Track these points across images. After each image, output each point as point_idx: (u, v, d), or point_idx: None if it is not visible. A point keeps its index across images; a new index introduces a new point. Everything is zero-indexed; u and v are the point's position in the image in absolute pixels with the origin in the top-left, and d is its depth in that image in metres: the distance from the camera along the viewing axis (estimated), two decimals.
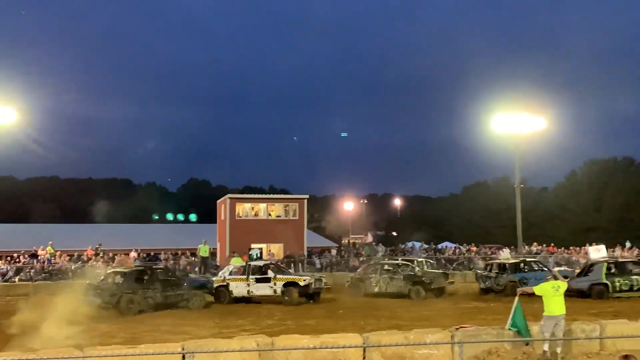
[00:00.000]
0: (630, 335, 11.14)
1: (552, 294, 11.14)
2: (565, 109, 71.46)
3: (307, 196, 36.26)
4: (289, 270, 25.50)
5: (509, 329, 11.35)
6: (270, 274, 21.53)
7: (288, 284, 21.07)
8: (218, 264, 32.57)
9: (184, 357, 9.71)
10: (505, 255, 26.38)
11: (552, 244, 39.59)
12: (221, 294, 21.78)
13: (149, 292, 19.60)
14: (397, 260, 25.75)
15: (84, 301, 18.29)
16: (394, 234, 71.98)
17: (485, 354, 10.65)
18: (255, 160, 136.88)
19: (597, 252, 24.14)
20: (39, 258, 30.59)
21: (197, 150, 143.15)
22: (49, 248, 31.38)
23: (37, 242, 33.08)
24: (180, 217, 61.95)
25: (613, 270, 21.33)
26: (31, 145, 44.19)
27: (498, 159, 48.84)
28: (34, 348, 10.50)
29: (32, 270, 29.00)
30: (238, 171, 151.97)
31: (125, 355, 9.33)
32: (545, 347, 10.88)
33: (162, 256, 34.05)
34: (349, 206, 65.48)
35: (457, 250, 39.32)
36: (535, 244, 39.14)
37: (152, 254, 35.00)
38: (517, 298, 11.58)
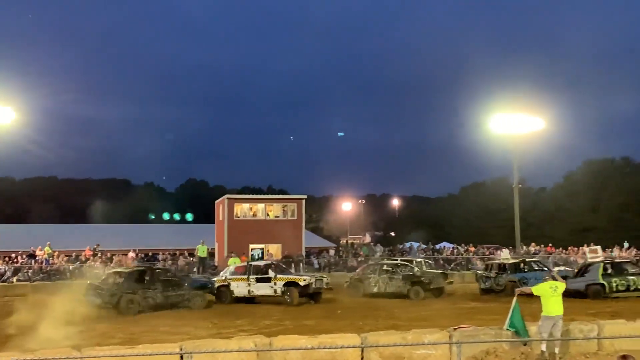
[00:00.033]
0: (628, 335, 11.15)
1: (550, 294, 11.15)
2: (563, 110, 71.63)
3: (305, 196, 36.28)
4: (290, 270, 25.55)
5: (507, 329, 11.36)
6: (271, 273, 21.55)
7: (288, 284, 21.09)
8: (216, 264, 32.59)
9: (182, 357, 9.71)
10: (505, 256, 26.47)
11: (550, 244, 39.70)
12: (222, 293, 21.81)
13: (149, 293, 19.60)
14: (396, 260, 25.78)
15: (85, 301, 18.34)
16: (392, 234, 72.00)
17: (484, 354, 10.66)
18: (254, 160, 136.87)
19: (593, 253, 24.27)
20: (37, 258, 30.58)
21: (195, 150, 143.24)
22: (47, 248, 31.36)
23: (35, 242, 33.04)
24: (177, 216, 61.91)
25: (610, 271, 21.43)
26: (29, 145, 44.19)
27: (496, 160, 48.99)
28: (32, 348, 10.48)
29: (30, 271, 29.00)
30: (236, 171, 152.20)
31: (123, 356, 9.32)
32: (543, 347, 10.89)
33: (160, 256, 34.07)
34: (347, 206, 65.47)
35: (455, 251, 39.36)
36: (533, 244, 39.21)
37: (150, 254, 35.02)
38: (515, 298, 11.60)
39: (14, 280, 28.15)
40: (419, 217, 73.39)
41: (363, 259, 33.56)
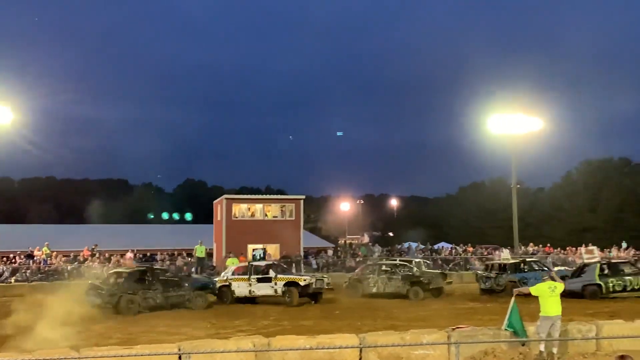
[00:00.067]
0: (626, 335, 11.17)
1: (549, 295, 11.16)
2: (561, 110, 71.83)
3: (303, 197, 36.27)
4: (292, 270, 25.56)
5: (506, 329, 11.36)
6: (272, 273, 21.56)
7: (289, 284, 21.10)
8: (214, 264, 32.57)
9: (180, 357, 9.69)
10: (505, 256, 26.47)
11: (549, 245, 39.70)
12: (224, 294, 21.83)
13: (150, 293, 19.59)
14: (395, 260, 25.77)
15: (85, 301, 18.33)
16: (391, 234, 72.01)
17: (482, 355, 10.66)
18: (252, 160, 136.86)
19: (590, 254, 24.32)
20: (35, 259, 30.53)
21: (193, 150, 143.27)
22: (45, 249, 31.29)
23: (33, 242, 32.99)
24: (176, 216, 61.93)
25: (606, 271, 21.48)
26: (28, 145, 44.03)
27: (495, 160, 49.03)
28: (30, 349, 10.47)
29: (28, 271, 28.95)
30: (235, 172, 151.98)
31: (121, 356, 9.31)
32: (542, 347, 10.90)
33: (158, 257, 34.03)
34: (345, 207, 65.51)
35: (453, 251, 39.34)
36: (531, 244, 39.23)
37: (148, 254, 34.99)
38: (513, 298, 11.61)
39: (12, 280, 28.11)
40: (418, 217, 73.36)
41: (361, 259, 33.56)
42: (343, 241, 52.23)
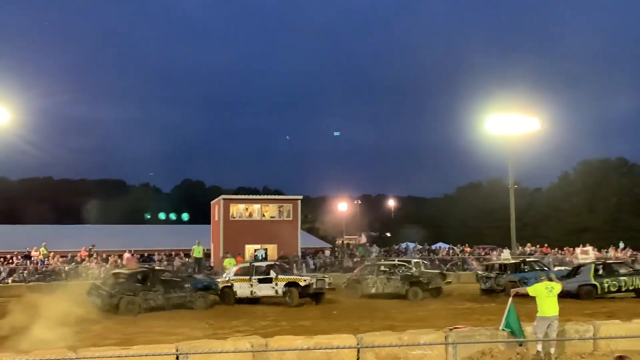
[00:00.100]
0: (623, 335, 11.19)
1: (546, 295, 11.17)
2: (559, 110, 71.84)
3: (300, 197, 36.28)
4: (294, 271, 25.57)
5: (503, 329, 11.37)
6: (272, 274, 21.56)
7: (289, 284, 21.10)
8: (212, 264, 32.55)
9: (177, 358, 9.70)
10: (505, 256, 26.50)
11: (546, 245, 39.71)
12: (226, 294, 21.80)
13: (150, 294, 19.56)
14: (394, 260, 25.75)
15: (86, 301, 18.31)
16: (388, 234, 72.09)
17: (479, 355, 10.66)
18: (250, 161, 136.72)
19: (585, 254, 24.39)
20: (32, 259, 30.50)
21: (191, 150, 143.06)
22: (42, 249, 31.27)
23: (30, 243, 32.97)
24: (173, 216, 61.92)
25: (601, 272, 21.54)
26: (25, 145, 44.04)
27: (492, 160, 49.03)
28: (27, 349, 10.45)
29: (26, 272, 28.92)
30: (232, 172, 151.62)
31: (119, 357, 9.29)
32: (539, 347, 10.92)
33: (156, 257, 34.00)
34: (342, 207, 65.49)
35: (451, 251, 39.35)
36: (529, 244, 39.22)
37: (146, 254, 34.97)
38: (510, 299, 11.62)
39: (9, 281, 28.09)
40: (415, 217, 73.33)
41: (359, 259, 33.56)
42: (340, 241, 52.29)
